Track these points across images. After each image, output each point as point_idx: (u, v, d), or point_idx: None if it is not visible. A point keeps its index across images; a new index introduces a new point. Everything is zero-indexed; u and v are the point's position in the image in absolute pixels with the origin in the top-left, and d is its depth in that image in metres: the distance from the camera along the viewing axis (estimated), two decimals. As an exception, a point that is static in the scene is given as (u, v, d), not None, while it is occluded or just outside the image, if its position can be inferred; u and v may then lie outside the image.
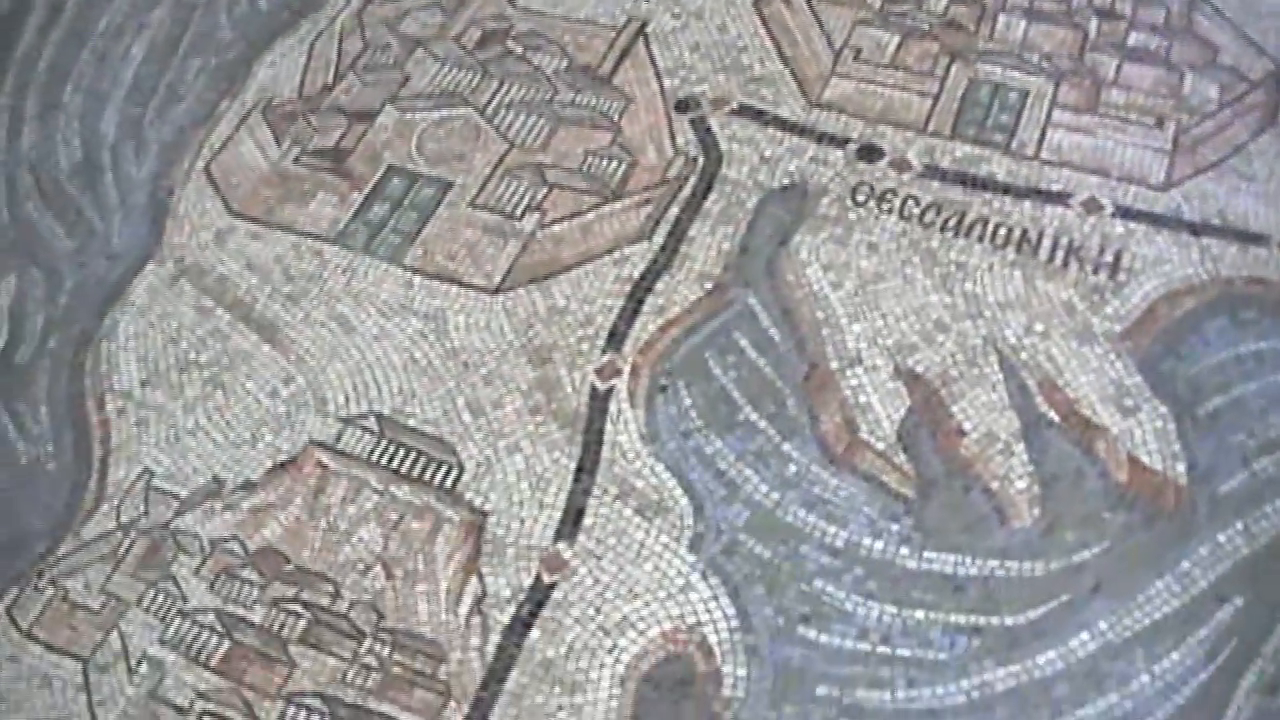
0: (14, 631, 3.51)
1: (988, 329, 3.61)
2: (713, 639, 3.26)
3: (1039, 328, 3.59)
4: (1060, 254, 3.72)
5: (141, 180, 4.34)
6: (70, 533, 3.66)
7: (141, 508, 3.65)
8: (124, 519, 3.66)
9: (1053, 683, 3.14)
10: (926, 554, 3.31)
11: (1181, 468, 3.35)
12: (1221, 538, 3.25)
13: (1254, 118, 3.91)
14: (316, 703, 3.28)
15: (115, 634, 3.49)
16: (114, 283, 4.13)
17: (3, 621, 3.54)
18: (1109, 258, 3.69)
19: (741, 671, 3.22)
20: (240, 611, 3.45)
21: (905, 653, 3.20)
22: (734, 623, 3.28)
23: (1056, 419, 3.47)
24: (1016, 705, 3.11)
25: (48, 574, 3.58)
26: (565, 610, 3.33)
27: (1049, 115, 3.98)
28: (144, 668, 3.42)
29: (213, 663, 3.41)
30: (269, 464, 3.68)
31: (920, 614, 3.23)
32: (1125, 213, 3.76)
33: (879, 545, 3.34)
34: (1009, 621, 3.22)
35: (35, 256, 4.20)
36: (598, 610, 3.32)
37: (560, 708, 3.20)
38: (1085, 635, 3.17)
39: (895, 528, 3.35)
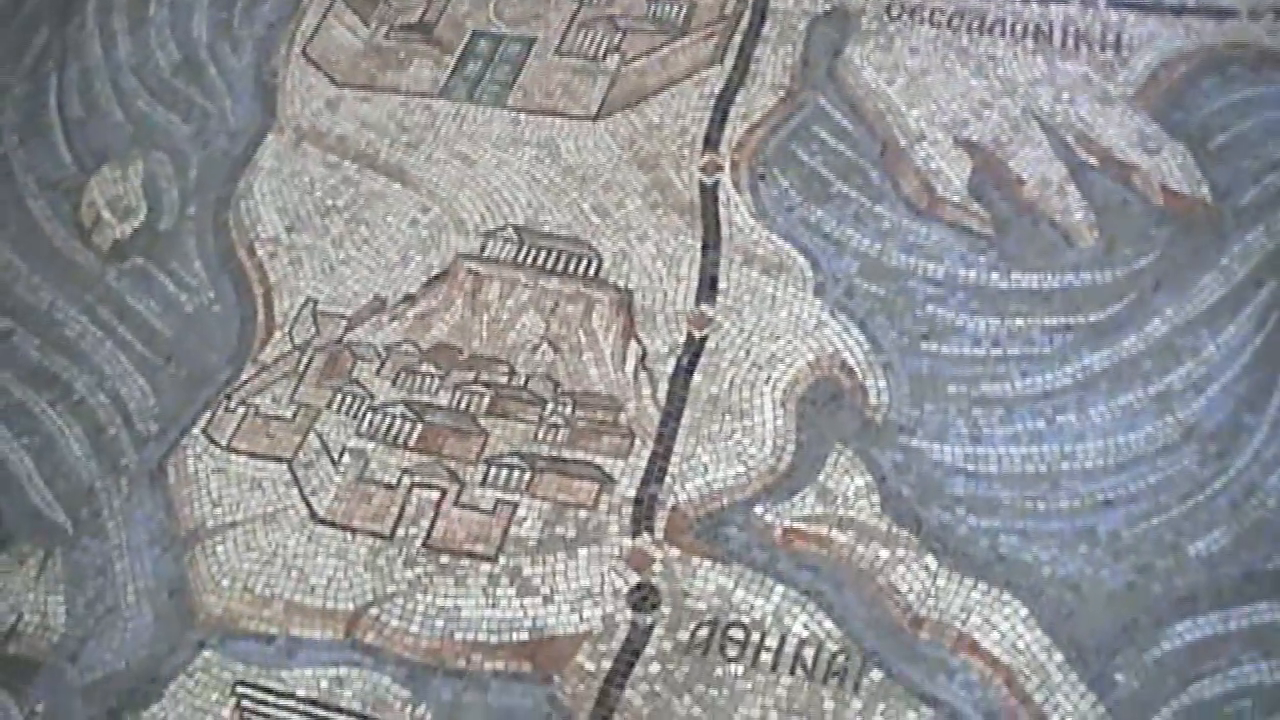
0: (215, 448, 3.70)
1: (1024, 102, 4.05)
2: (851, 362, 3.62)
3: (1066, 97, 4.04)
4: (1071, 40, 4.18)
5: (244, 69, 4.55)
6: (249, 360, 3.85)
7: (312, 330, 3.87)
8: (298, 341, 3.86)
9: (1139, 360, 3.56)
10: (1014, 275, 3.72)
11: (1205, 189, 3.82)
12: (1249, 237, 3.72)
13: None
14: (515, 460, 3.55)
15: (312, 435, 3.68)
16: (239, 154, 4.33)
17: (203, 441, 3.71)
18: (1111, 39, 4.16)
19: (882, 384, 3.58)
20: (426, 399, 3.69)
21: (1015, 351, 3.60)
22: (866, 347, 3.64)
23: (1095, 163, 3.91)
24: (1113, 379, 3.53)
25: (236, 396, 3.78)
26: (719, 356, 3.66)
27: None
28: (346, 458, 3.63)
29: (411, 443, 3.62)
30: (424, 278, 3.93)
31: (1020, 321, 3.64)
32: (1117, 3, 4.23)
33: (973, 274, 3.74)
34: (1093, 318, 3.63)
35: (157, 142, 4.39)
36: (747, 352, 3.66)
37: (734, 431, 3.53)
38: (1157, 321, 3.60)
39: (983, 259, 3.75)
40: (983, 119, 3.99)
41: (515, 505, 3.43)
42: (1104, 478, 3.35)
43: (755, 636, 3.18)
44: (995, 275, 3.69)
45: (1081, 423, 3.43)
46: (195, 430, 3.71)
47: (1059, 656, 3.10)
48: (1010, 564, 3.23)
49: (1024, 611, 3.17)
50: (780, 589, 3.24)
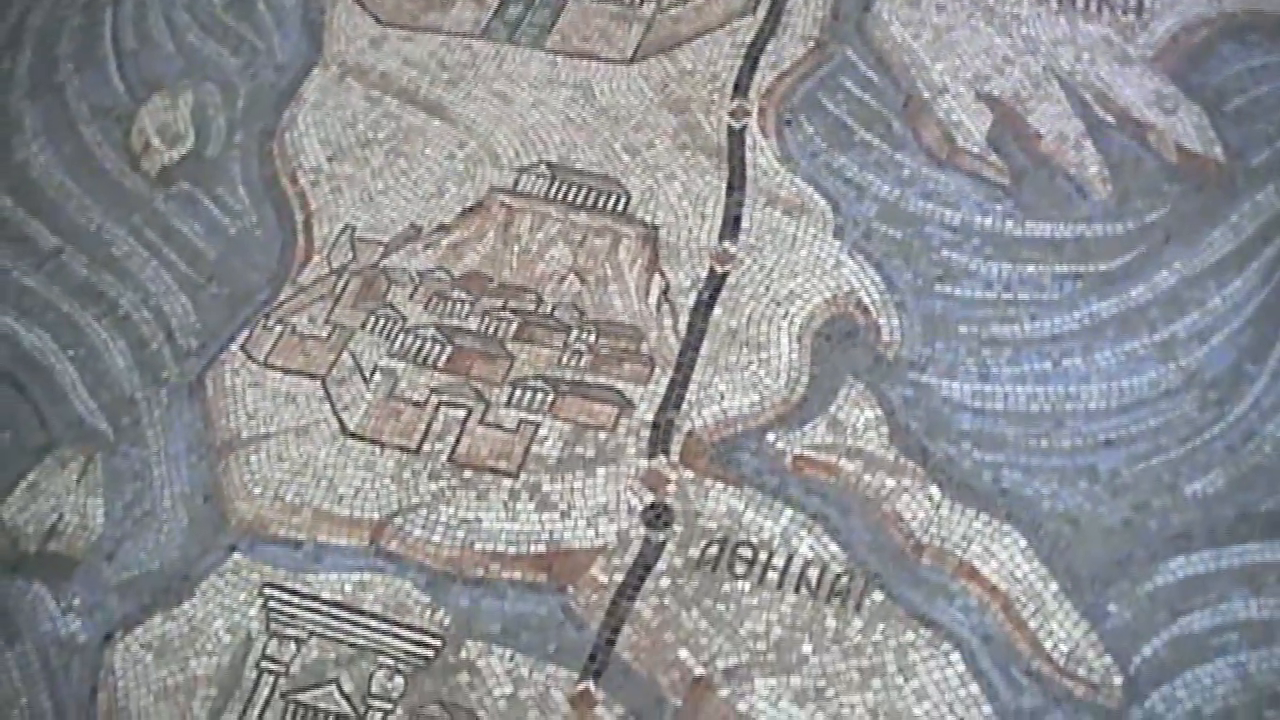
0: (252, 364, 3.79)
1: (1046, 61, 4.10)
2: (867, 300, 3.69)
3: (1086, 57, 4.09)
4: (1094, 2, 4.23)
5: (292, 6, 4.63)
6: (288, 282, 3.94)
7: (350, 254, 3.95)
8: (335, 265, 3.95)
9: (1146, 308, 3.62)
10: (1028, 224, 3.78)
11: (1219, 150, 3.87)
12: (1259, 196, 3.77)
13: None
14: (539, 383, 3.63)
15: (346, 354, 3.76)
16: (285, 87, 4.42)
17: (241, 357, 3.80)
18: (1134, 2, 4.20)
19: (895, 322, 3.65)
20: (456, 323, 3.78)
21: (1025, 296, 3.66)
22: (882, 287, 3.71)
23: (1113, 121, 3.97)
24: (1120, 326, 3.60)
25: (274, 315, 3.87)
26: (740, 291, 3.74)
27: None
28: (378, 376, 3.71)
29: (440, 364, 3.71)
30: (458, 209, 4.02)
31: (1031, 267, 3.70)
32: (1140, -32, 4.27)
33: (988, 221, 3.80)
34: (1103, 267, 3.69)
35: (206, 74, 4.48)
36: (767, 289, 3.73)
37: (751, 362, 3.61)
38: (1165, 272, 3.66)
39: (999, 208, 3.82)
40: (1004, 75, 4.04)
41: (537, 425, 3.51)
42: (1106, 419, 3.40)
43: (763, 556, 3.25)
44: (1010, 223, 3.75)
45: (1087, 366, 3.49)
46: (234, 346, 3.79)
47: (1055, 586, 3.17)
48: (1012, 497, 3.29)
49: (1023, 542, 3.24)
50: (789, 512, 3.31)
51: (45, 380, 3.81)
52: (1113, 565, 3.19)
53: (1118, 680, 3.05)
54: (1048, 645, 3.09)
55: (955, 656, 3.09)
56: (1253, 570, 3.17)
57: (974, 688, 3.05)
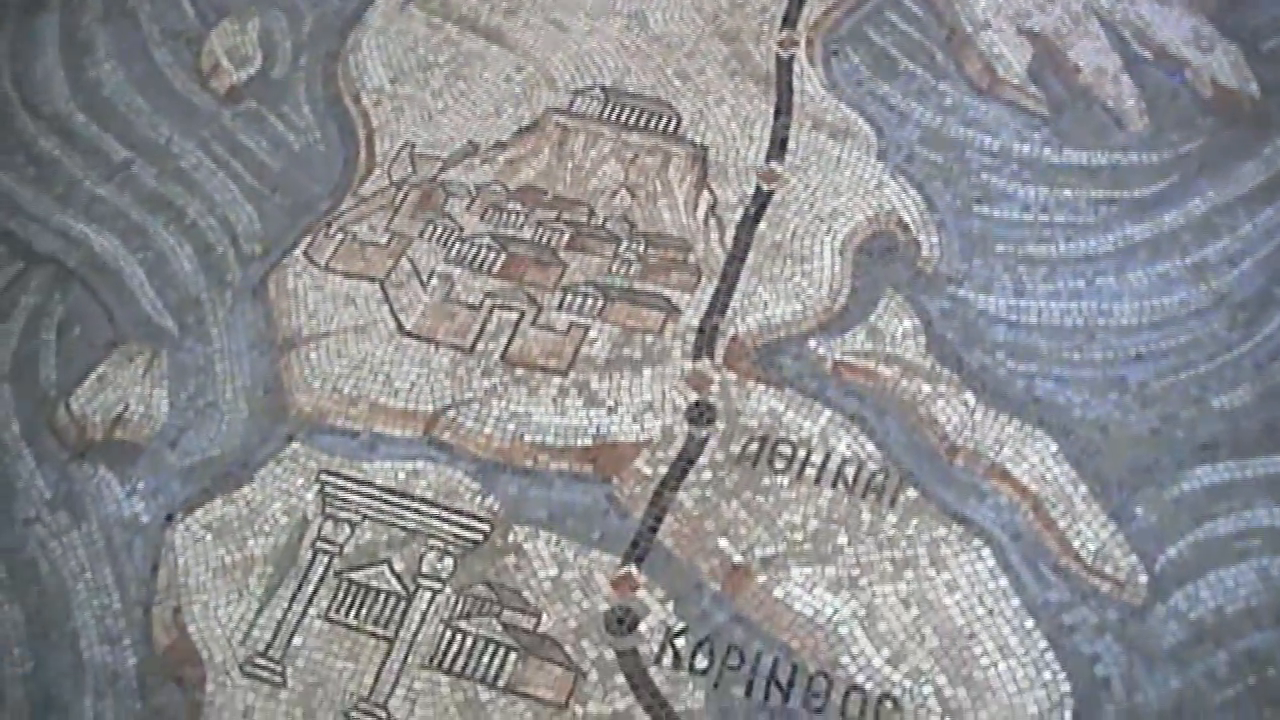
0: (313, 268, 3.85)
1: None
2: (907, 219, 3.73)
3: (1126, -3, 4.11)
4: (1135, -54, 4.23)
5: (357, -62, 4.68)
6: (350, 194, 4.00)
7: (410, 168, 4.01)
8: (395, 178, 4.00)
9: (1178, 233, 3.64)
10: (1065, 151, 3.81)
11: (1254, 86, 3.89)
12: (1292, 130, 3.77)
13: None
14: (590, 289, 3.68)
15: (404, 260, 3.82)
16: (350, 13, 4.49)
17: (303, 261, 3.86)
18: (1175, -54, 4.21)
19: (935, 239, 3.68)
20: (511, 232, 3.83)
21: (1061, 219, 3.69)
22: (922, 206, 3.74)
23: (1150, 57, 4.00)
24: (1152, 249, 3.62)
25: (335, 224, 3.93)
26: (784, 208, 3.78)
27: None
28: (434, 281, 3.77)
29: (494, 271, 3.76)
30: (515, 128, 4.07)
31: (1068, 192, 3.73)
32: (1182, -88, 4.29)
33: (1027, 148, 3.83)
34: (1137, 194, 3.72)
35: (274, 0, 4.54)
36: (811, 206, 3.77)
37: (794, 274, 3.65)
38: (1198, 200, 3.69)
39: (1037, 135, 3.85)
40: (1045, 12, 4.08)
41: (587, 328, 3.56)
42: (1137, 334, 3.44)
43: (801, 453, 3.30)
44: (1048, 150, 3.79)
45: (1119, 285, 3.52)
46: (296, 252, 3.85)
47: (1084, 489, 3.19)
48: (1044, 405, 3.33)
49: (1054, 447, 3.26)
50: (827, 413, 3.35)
51: (114, 282, 3.87)
52: (1140, 471, 3.21)
53: (1143, 579, 3.06)
54: (1075, 544, 3.11)
55: (986, 552, 3.11)
56: (1276, 480, 3.20)
57: (1003, 581, 3.07)
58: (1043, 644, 2.99)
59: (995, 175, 3.72)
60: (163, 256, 3.89)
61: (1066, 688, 2.94)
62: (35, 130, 4.23)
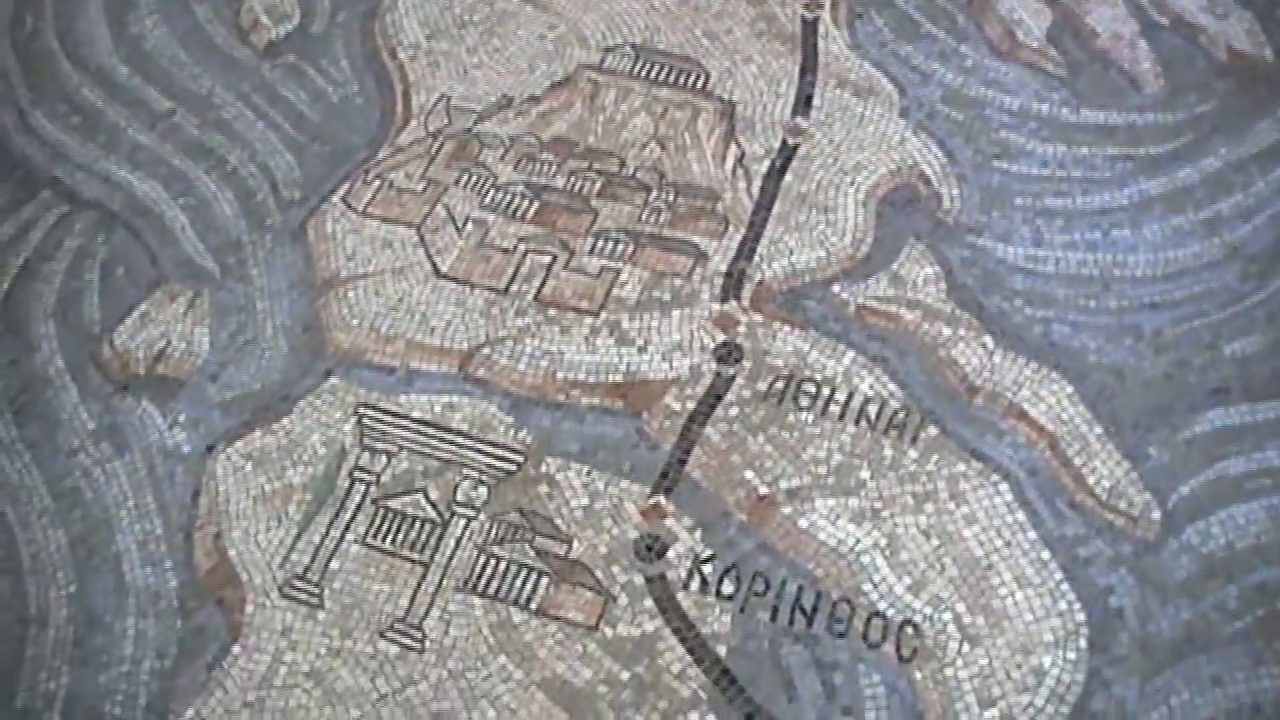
0: (351, 213, 3.90)
1: (1105, -33, 4.18)
2: (929, 172, 3.79)
3: (1144, -35, 4.17)
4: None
5: (395, -101, 4.74)
6: (386, 143, 4.05)
7: (445, 120, 4.07)
8: (432, 129, 4.06)
9: (1192, 189, 3.71)
10: (1083, 111, 3.87)
11: (1268, 51, 3.96)
12: (1306, 93, 3.83)
13: None
14: (621, 235, 3.74)
15: (440, 206, 3.87)
16: (387, -29, 4.52)
17: (341, 207, 3.92)
18: (1190, -85, 4.27)
19: (955, 192, 3.74)
20: (544, 181, 3.89)
21: (1078, 174, 3.75)
22: (943, 161, 3.80)
23: (1166, 23, 4.06)
24: (1167, 204, 3.68)
25: (373, 171, 3.98)
26: (809, 161, 3.84)
27: None
28: (469, 226, 3.83)
29: (528, 217, 3.82)
30: (547, 83, 4.13)
31: (1085, 149, 3.79)
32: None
33: (1045, 107, 3.89)
34: (1152, 151, 3.78)
35: (313, -41, 4.60)
36: (835, 159, 3.83)
37: (819, 223, 3.71)
38: (1212, 158, 3.76)
39: (1055, 96, 3.91)
40: (1065, -21, 4.12)
41: (618, 272, 3.62)
42: (1151, 284, 3.50)
43: (826, 391, 3.35)
44: (1065, 110, 3.85)
45: (1134, 237, 3.58)
46: (335, 198, 3.90)
47: (1099, 429, 3.25)
48: (1060, 349, 3.38)
49: (1070, 389, 3.32)
50: (851, 354, 3.41)
51: (156, 225, 3.93)
52: (1154, 413, 3.26)
53: (1156, 515, 3.12)
54: (1091, 481, 3.17)
55: (1003, 487, 3.17)
56: (1286, 424, 3.21)
57: (1020, 515, 3.13)
58: (1059, 575, 3.02)
59: (1014, 133, 3.78)
60: (204, 201, 3.95)
61: (1081, 617, 2.96)
62: (79, 81, 4.29)
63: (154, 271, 3.78)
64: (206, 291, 3.73)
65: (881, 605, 2.99)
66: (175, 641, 3.08)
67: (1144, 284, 3.45)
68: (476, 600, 3.07)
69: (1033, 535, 3.08)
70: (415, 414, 3.37)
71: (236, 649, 3.05)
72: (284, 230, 3.81)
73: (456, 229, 3.72)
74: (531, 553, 3.12)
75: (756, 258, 3.57)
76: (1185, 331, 3.36)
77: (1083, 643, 2.93)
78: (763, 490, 3.16)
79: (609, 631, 3.00)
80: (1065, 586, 3.01)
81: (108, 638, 3.10)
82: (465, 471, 3.26)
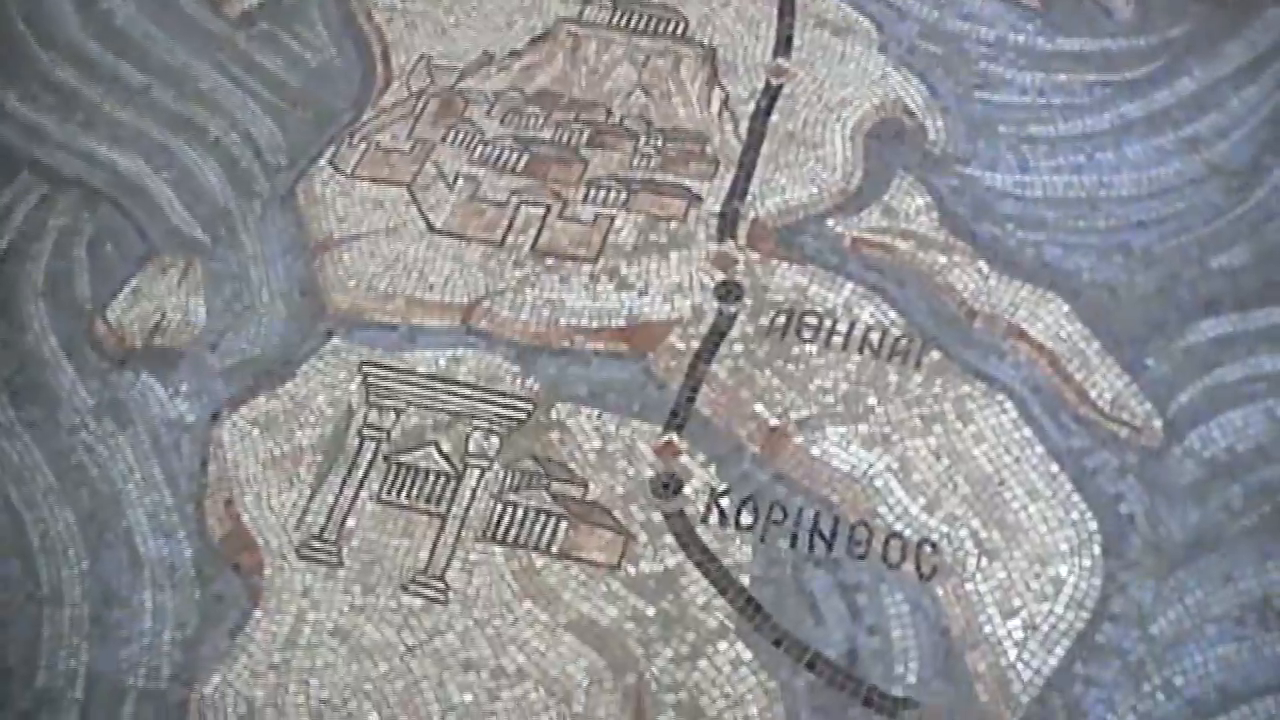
0: (339, 176, 3.86)
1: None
2: (912, 106, 3.80)
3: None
4: None
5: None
6: (369, 105, 4.01)
7: (427, 79, 4.03)
8: (414, 88, 4.01)
9: (1170, 110, 3.76)
10: (1058, 40, 3.90)
11: (1238, -20, 3.97)
12: (1271, 12, 3.93)
13: None
14: (612, 182, 3.72)
15: (429, 164, 3.84)
16: (356, -63, 4.46)
17: (329, 170, 3.87)
18: None
19: (940, 124, 3.76)
20: (532, 134, 3.86)
21: (1058, 101, 3.77)
22: (926, 94, 3.81)
23: (1134, -48, 4.06)
24: (1147, 125, 3.72)
25: (358, 133, 3.94)
26: (794, 100, 3.84)
27: None
28: (460, 182, 3.79)
29: (518, 170, 3.79)
30: (528, 38, 4.10)
31: (1063, 76, 3.82)
32: None
33: (1021, 38, 3.92)
34: (1128, 75, 3.83)
35: (281, -73, 4.53)
36: (819, 97, 3.83)
37: (808, 160, 3.71)
38: (1187, 79, 3.82)
39: (1030, 26, 3.94)
40: (1033, -87, 4.14)
41: (613, 218, 3.60)
42: (1137, 203, 3.53)
43: (828, 323, 3.36)
44: (1041, 39, 3.87)
45: (1118, 159, 3.61)
46: (321, 162, 3.85)
47: (1097, 345, 3.28)
48: (1054, 270, 3.40)
49: (1066, 308, 3.35)
50: (850, 285, 3.41)
51: (143, 199, 3.88)
52: (1149, 327, 3.29)
53: (1158, 423, 3.15)
54: (1093, 394, 3.19)
55: (1008, 405, 3.19)
56: (1277, 329, 3.27)
57: (1027, 431, 3.15)
58: (1068, 486, 3.04)
59: (993, 64, 3.80)
60: (188, 172, 3.89)
61: (1094, 525, 2.99)
62: (50, 62, 4.21)
63: (144, 245, 3.72)
64: (199, 261, 3.66)
65: (898, 526, 3.00)
66: (195, 610, 3.03)
67: (1130, 203, 3.48)
68: (497, 548, 3.05)
69: (1040, 449, 3.09)
70: (421, 369, 3.35)
71: (258, 613, 3.01)
72: (273, 196, 3.76)
73: (447, 185, 3.69)
74: (548, 498, 3.10)
75: (749, 197, 3.57)
76: (1174, 247, 3.39)
77: (1097, 550, 2.95)
78: (773, 422, 3.16)
79: (631, 570, 2.99)
80: (1076, 497, 3.02)
81: (125, 612, 3.05)
82: (475, 423, 3.23)
